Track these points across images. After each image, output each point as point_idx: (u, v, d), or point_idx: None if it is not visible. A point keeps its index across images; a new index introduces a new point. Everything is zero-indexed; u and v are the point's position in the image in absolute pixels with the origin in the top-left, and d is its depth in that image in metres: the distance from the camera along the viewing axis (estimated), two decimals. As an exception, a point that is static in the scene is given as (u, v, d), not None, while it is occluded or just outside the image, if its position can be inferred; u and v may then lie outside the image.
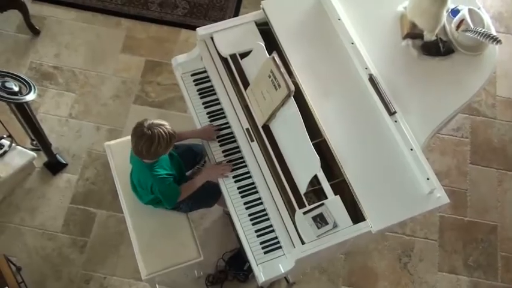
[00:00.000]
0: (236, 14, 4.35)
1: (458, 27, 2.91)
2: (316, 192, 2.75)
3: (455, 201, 3.71)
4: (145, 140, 2.58)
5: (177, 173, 2.90)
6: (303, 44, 2.97)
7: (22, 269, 3.34)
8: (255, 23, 3.07)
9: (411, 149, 2.66)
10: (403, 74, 2.90)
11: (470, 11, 2.92)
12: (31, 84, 3.01)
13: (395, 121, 2.73)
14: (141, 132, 2.60)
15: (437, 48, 2.93)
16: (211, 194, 3.08)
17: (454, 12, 2.96)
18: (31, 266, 3.40)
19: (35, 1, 4.29)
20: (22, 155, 3.57)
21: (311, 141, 2.65)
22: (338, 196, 2.61)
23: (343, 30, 2.96)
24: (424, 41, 2.95)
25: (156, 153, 2.64)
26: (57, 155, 3.68)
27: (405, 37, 3.00)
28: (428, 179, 2.60)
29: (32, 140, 3.60)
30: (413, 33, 2.97)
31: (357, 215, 2.62)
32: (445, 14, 2.85)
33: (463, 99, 2.85)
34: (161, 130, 2.60)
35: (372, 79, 2.82)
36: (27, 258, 3.42)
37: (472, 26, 2.87)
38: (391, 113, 2.74)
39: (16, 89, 2.92)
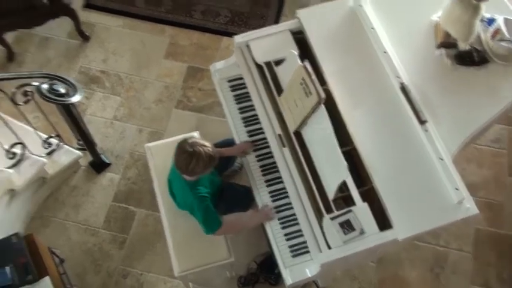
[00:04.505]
0: (276, 23, 4.44)
1: (493, 36, 2.90)
2: (345, 199, 2.79)
3: (491, 213, 3.66)
4: (186, 157, 2.66)
5: (215, 187, 2.99)
6: (336, 52, 3.02)
7: (65, 261, 3.52)
8: (291, 31, 3.15)
9: (441, 159, 2.67)
10: (436, 83, 2.91)
11: (506, 20, 2.91)
12: (77, 87, 3.19)
13: (426, 130, 2.75)
14: (183, 148, 2.67)
15: (471, 58, 2.93)
16: (244, 200, 3.16)
17: (490, 21, 2.95)
18: (73, 259, 3.58)
19: (86, 9, 4.52)
20: (69, 153, 3.77)
21: (341, 148, 2.70)
22: (366, 203, 2.65)
23: (376, 39, 3.00)
24: (458, 50, 2.96)
25: (194, 171, 2.70)
26: (102, 155, 3.86)
27: (439, 46, 3.01)
28: (457, 189, 2.61)
29: (78, 139, 3.79)
30: (447, 43, 2.98)
31: (384, 223, 2.65)
32: (478, 23, 2.84)
33: (496, 110, 2.83)
34: (202, 150, 2.65)
35: (403, 88, 2.85)
36: (70, 251, 3.61)
37: (507, 35, 2.86)
38: (422, 122, 2.76)
39: (63, 91, 3.11)
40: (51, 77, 3.15)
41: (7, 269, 2.87)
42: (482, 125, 2.80)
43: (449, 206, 2.60)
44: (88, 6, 4.58)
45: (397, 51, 2.98)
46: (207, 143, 2.71)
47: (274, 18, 4.53)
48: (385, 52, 2.96)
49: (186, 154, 2.64)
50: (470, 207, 2.60)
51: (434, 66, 2.98)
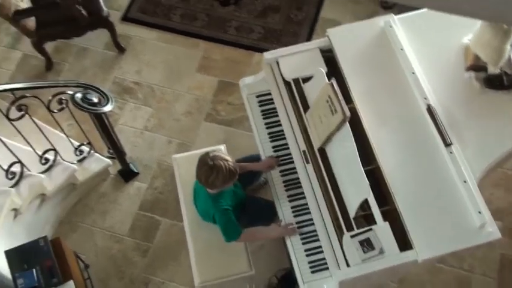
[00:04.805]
0: (308, 41, 4.47)
1: (524, 61, 2.88)
2: (366, 217, 2.79)
3: (518, 240, 3.60)
4: (206, 170, 2.72)
5: (238, 201, 3.03)
6: (364, 71, 3.04)
7: (89, 267, 3.60)
8: (320, 49, 3.19)
9: (464, 181, 2.66)
10: (463, 106, 2.90)
11: (537, 46, 2.88)
12: (109, 97, 3.29)
13: (451, 152, 2.74)
14: (204, 161, 2.74)
15: (501, 82, 2.92)
16: (267, 214, 3.18)
17: (521, 46, 2.93)
18: (98, 265, 3.66)
19: (123, 21, 4.65)
20: (99, 161, 3.86)
21: (365, 167, 2.71)
22: (387, 223, 2.64)
23: (405, 59, 3.01)
24: (488, 73, 2.94)
25: (213, 184, 2.76)
26: (130, 164, 3.96)
27: (468, 69, 3.00)
28: (480, 212, 2.58)
29: (109, 148, 3.88)
30: (477, 66, 2.97)
31: (405, 243, 2.63)
32: (508, 47, 2.82)
33: (524, 135, 2.81)
34: (223, 164, 2.71)
35: (429, 109, 2.84)
36: (95, 257, 3.69)
37: (538, 60, 2.84)
38: (447, 144, 2.75)
39: (96, 100, 3.21)
40: (85, 87, 3.27)
41: (34, 271, 2.96)
42: (509, 150, 2.77)
43: (471, 230, 2.58)
44: (126, 19, 4.71)
45: (426, 73, 2.99)
46: (228, 158, 2.76)
47: (307, 36, 4.58)
48: (413, 73, 2.96)
49: (206, 167, 2.69)
50: (492, 231, 2.57)
51: (463, 88, 2.97)
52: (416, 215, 2.64)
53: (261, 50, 4.44)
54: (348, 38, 3.16)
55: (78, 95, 3.17)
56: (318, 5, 4.71)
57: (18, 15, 3.81)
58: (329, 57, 3.16)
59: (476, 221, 2.58)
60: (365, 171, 2.69)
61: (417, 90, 2.91)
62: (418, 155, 2.80)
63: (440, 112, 2.85)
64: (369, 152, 2.82)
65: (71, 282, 2.98)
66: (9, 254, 3.01)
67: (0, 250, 3.04)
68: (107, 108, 3.27)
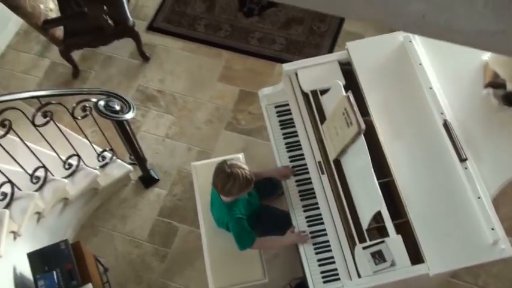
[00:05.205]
0: (330, 52, 4.50)
1: (543, 78, 2.87)
2: (379, 230, 2.81)
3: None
4: (223, 177, 2.77)
5: (253, 210, 3.08)
6: (382, 84, 3.07)
7: (109, 270, 3.68)
8: (339, 62, 3.23)
9: (478, 197, 2.66)
10: (480, 123, 2.90)
11: (556, 63, 2.87)
12: (131, 105, 3.38)
13: (466, 168, 2.74)
14: (221, 169, 2.80)
15: (520, 99, 2.91)
16: (282, 224, 3.20)
17: (540, 64, 2.92)
18: (117, 268, 3.74)
19: (149, 31, 4.76)
20: (121, 167, 3.96)
21: (380, 179, 2.74)
22: (399, 236, 2.66)
23: (423, 74, 3.02)
24: (506, 91, 2.94)
25: (230, 192, 2.81)
26: (151, 171, 4.04)
27: (486, 86, 2.99)
28: (493, 229, 2.58)
29: (130, 154, 3.98)
30: (495, 83, 2.96)
31: (417, 257, 2.65)
32: (527, 65, 2.83)
33: (541, 154, 2.79)
34: (240, 172, 2.76)
35: (446, 124, 2.85)
36: (115, 261, 3.77)
37: (557, 78, 2.82)
38: (462, 160, 2.76)
39: (118, 108, 3.31)
40: (108, 94, 3.36)
41: (54, 273, 3.04)
42: (525, 167, 2.77)
43: (483, 246, 2.58)
44: (151, 28, 4.82)
45: (444, 88, 2.99)
46: (245, 166, 2.81)
47: (329, 48, 4.62)
48: (430, 88, 2.98)
49: (223, 174, 2.75)
50: (505, 248, 2.56)
51: (481, 105, 2.97)
52: (429, 229, 2.65)
53: (283, 61, 4.48)
54: (367, 51, 3.19)
55: (101, 103, 3.26)
56: (341, 17, 4.75)
57: (47, 25, 3.94)
58: (348, 70, 3.20)
59: (489, 238, 2.57)
60: (380, 183, 2.72)
61: (434, 105, 2.92)
62: (432, 170, 2.81)
63: (457, 128, 2.85)
64: (384, 165, 2.85)
65: (90, 285, 3.06)
66: (32, 256, 3.11)
67: (23, 252, 3.14)
68: (129, 115, 3.36)
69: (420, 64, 3.07)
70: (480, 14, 1.08)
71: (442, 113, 2.90)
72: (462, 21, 1.12)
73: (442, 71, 3.07)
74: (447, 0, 1.09)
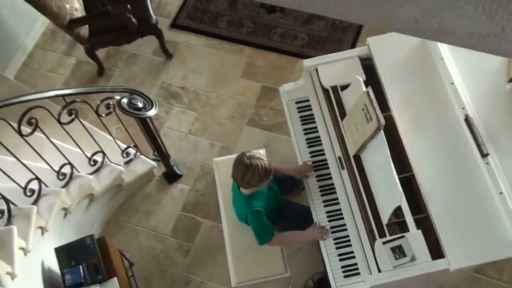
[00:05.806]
0: (353, 48, 4.49)
1: None
2: (400, 224, 2.81)
3: None
4: (242, 168, 2.80)
5: (274, 205, 3.09)
6: (402, 80, 3.05)
7: (134, 265, 3.75)
8: (360, 57, 3.22)
9: (500, 193, 2.63)
10: (503, 118, 2.85)
11: None
12: (153, 102, 3.43)
13: (487, 163, 2.71)
14: (240, 160, 2.83)
15: (543, 93, 2.87)
16: (303, 220, 3.22)
17: None
18: (142, 263, 3.81)
19: (172, 28, 4.82)
20: (144, 163, 4.02)
21: (400, 174, 2.73)
22: (420, 231, 2.66)
23: (444, 69, 3.00)
24: (530, 85, 2.90)
25: (249, 183, 2.83)
26: (174, 167, 4.10)
27: (510, 80, 2.95)
28: (515, 223, 2.56)
29: (154, 151, 4.04)
30: (519, 78, 2.93)
31: (438, 252, 2.64)
32: (551, 59, 2.78)
33: None
34: (259, 163, 2.79)
35: (467, 119, 2.83)
36: (139, 255, 3.85)
37: None
38: (484, 155, 2.73)
39: (140, 105, 3.36)
40: (131, 92, 3.42)
41: (80, 267, 3.12)
42: (548, 162, 2.73)
43: (505, 241, 2.55)
44: (174, 26, 4.87)
45: (466, 83, 2.95)
46: (263, 157, 2.84)
47: (351, 44, 4.60)
48: (452, 83, 2.95)
49: (242, 165, 2.78)
50: (528, 244, 2.54)
51: (504, 100, 2.92)
52: (450, 224, 2.64)
53: (305, 57, 4.47)
54: (388, 47, 3.18)
55: (124, 100, 3.33)
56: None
57: (73, 24, 4.02)
58: (369, 66, 3.19)
59: (511, 233, 2.55)
60: (400, 178, 2.71)
61: (455, 100, 2.89)
62: (453, 164, 2.78)
63: (479, 123, 2.82)
64: (405, 160, 2.84)
65: (115, 279, 3.13)
66: (59, 251, 3.20)
67: (51, 247, 3.23)
68: (151, 112, 3.41)
69: (441, 59, 3.04)
70: (471, 18, 1.09)
71: (463, 108, 2.87)
72: (454, 25, 1.13)
73: (464, 65, 3.03)
74: (436, 6, 1.10)
